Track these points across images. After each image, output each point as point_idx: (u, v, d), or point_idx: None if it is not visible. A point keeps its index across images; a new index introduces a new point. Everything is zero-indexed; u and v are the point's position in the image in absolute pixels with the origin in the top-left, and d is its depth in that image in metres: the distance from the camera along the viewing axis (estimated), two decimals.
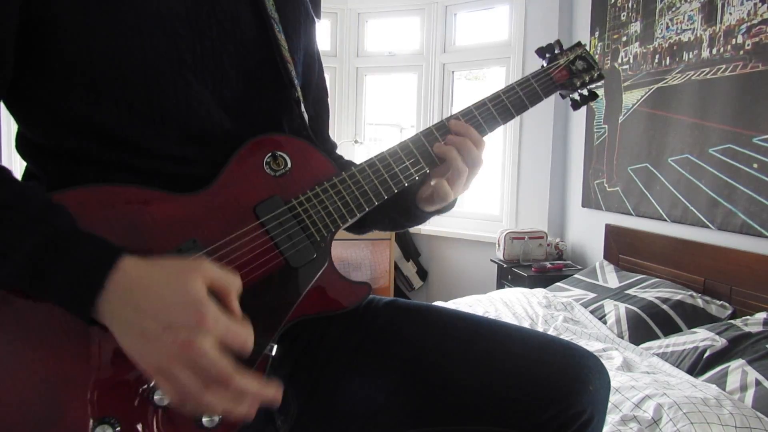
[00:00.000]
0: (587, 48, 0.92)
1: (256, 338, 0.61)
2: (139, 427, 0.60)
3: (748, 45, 2.01)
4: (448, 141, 0.77)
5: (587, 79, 0.90)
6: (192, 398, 0.53)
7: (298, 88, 0.75)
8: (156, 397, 0.60)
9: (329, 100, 0.93)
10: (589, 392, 0.72)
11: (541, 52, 0.92)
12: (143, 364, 0.54)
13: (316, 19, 0.86)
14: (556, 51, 0.90)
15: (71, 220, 0.58)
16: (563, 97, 0.93)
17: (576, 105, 0.94)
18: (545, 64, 0.89)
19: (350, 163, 0.88)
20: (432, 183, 0.79)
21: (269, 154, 0.70)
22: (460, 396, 0.74)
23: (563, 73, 0.88)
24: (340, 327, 0.78)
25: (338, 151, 0.94)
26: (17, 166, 3.04)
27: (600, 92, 0.94)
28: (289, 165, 0.70)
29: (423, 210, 0.82)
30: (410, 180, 0.76)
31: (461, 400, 0.74)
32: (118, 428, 0.59)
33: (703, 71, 2.21)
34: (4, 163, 2.85)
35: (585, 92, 0.92)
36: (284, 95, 0.76)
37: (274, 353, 0.66)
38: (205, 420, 0.61)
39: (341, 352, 0.78)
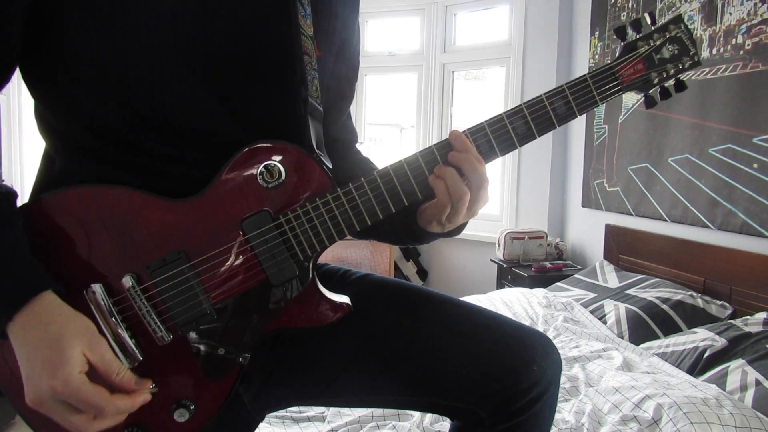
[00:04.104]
0: (687, 25, 0.68)
1: (231, 351, 0.67)
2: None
3: (748, 45, 2.00)
4: (438, 171, 0.69)
5: (672, 71, 0.71)
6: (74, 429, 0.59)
7: (309, 85, 0.72)
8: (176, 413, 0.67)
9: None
10: (534, 372, 0.75)
11: (621, 32, 0.70)
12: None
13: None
14: (642, 30, 0.70)
15: (13, 241, 0.60)
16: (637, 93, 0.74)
17: (651, 103, 0.74)
18: (621, 49, 0.70)
19: (366, 161, 0.88)
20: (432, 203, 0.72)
21: (264, 164, 0.67)
22: (410, 371, 0.78)
23: (638, 67, 0.70)
24: None
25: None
26: (16, 167, 3.03)
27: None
28: (284, 177, 0.67)
29: (424, 229, 0.76)
30: (412, 199, 0.70)
31: (411, 375, 0.78)
32: None
33: (703, 71, 2.20)
34: (4, 163, 2.83)
35: (670, 84, 0.72)
36: (294, 94, 0.73)
37: (246, 362, 0.69)
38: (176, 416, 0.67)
39: None
